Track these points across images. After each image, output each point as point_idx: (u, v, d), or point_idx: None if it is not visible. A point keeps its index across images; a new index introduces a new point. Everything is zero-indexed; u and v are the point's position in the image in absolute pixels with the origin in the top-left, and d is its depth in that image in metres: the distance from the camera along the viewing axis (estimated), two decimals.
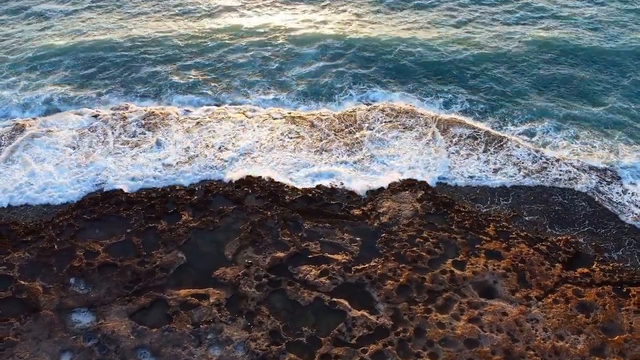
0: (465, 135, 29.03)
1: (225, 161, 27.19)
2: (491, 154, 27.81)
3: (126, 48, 35.94)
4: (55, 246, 22.34)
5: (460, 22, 38.67)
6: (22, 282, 21.03)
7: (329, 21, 39.47)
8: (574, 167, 26.97)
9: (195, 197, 24.75)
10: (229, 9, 41.23)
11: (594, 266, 22.06)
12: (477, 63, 34.23)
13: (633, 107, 30.13)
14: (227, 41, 37.07)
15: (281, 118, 30.38)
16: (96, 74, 33.95)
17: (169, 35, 37.47)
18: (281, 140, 28.73)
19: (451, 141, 28.58)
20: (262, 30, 38.14)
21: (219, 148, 28.07)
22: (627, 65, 33.17)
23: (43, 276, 21.27)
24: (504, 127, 29.67)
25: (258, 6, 41.36)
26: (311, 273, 21.30)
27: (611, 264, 22.17)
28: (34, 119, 30.51)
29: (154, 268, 21.47)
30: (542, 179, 26.40)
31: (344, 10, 40.63)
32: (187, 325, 19.46)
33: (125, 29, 38.00)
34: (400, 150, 28.00)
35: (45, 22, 38.34)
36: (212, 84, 33.22)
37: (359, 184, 25.77)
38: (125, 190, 25.12)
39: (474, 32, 37.43)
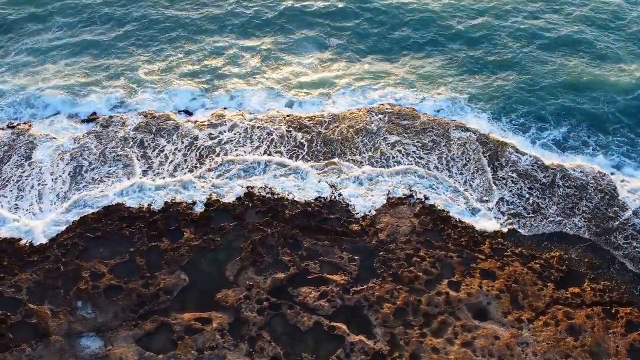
0: (469, 140, 29.11)
1: (224, 169, 27.38)
2: (499, 166, 27.91)
3: (125, 50, 35.30)
4: (61, 267, 22.92)
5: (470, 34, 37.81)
6: (31, 305, 21.73)
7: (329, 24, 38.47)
8: (576, 178, 27.24)
9: (196, 212, 25.07)
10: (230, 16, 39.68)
11: (585, 285, 22.72)
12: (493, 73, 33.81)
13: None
14: (227, 42, 36.26)
15: (280, 120, 30.22)
16: (96, 73, 33.51)
17: (168, 37, 36.65)
18: (280, 145, 28.72)
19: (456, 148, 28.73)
20: (260, 34, 37.07)
21: (217, 156, 28.12)
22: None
23: (51, 299, 21.96)
24: (506, 132, 29.75)
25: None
26: (310, 295, 21.98)
27: (602, 283, 22.83)
28: (32, 122, 30.41)
29: (158, 290, 22.12)
30: (543, 189, 26.73)
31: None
32: (192, 352, 20.31)
33: (126, 31, 37.11)
34: (404, 160, 28.16)
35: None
36: (212, 86, 32.79)
37: (358, 196, 26.05)
38: (127, 205, 25.41)
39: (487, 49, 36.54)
